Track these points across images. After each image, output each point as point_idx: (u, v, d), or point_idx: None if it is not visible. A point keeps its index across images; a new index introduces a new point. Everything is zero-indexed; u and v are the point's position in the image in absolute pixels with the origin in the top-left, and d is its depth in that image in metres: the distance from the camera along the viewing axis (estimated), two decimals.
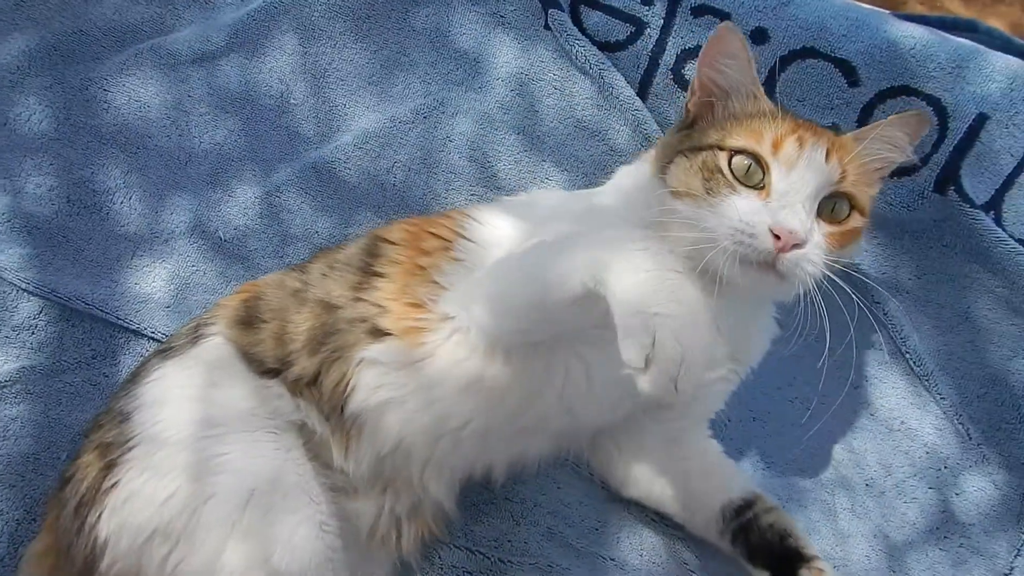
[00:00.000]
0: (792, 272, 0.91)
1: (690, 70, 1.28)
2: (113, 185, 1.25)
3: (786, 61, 1.24)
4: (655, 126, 1.29)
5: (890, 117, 1.03)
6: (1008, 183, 1.21)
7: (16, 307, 1.15)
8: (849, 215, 0.98)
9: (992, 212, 1.22)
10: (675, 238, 0.94)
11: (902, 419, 1.29)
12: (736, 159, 0.95)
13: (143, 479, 0.91)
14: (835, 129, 1.07)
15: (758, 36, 1.25)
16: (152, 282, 1.23)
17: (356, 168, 1.30)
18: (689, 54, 1.27)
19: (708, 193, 0.94)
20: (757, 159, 0.94)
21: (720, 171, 0.95)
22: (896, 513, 1.27)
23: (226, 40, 1.32)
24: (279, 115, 1.32)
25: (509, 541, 1.21)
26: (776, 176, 0.93)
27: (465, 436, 1.02)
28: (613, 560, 1.22)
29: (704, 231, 0.93)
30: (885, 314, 1.28)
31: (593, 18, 1.29)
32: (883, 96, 1.22)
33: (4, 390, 1.11)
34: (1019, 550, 1.23)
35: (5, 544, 1.05)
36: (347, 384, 1.00)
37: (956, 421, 1.27)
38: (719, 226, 0.92)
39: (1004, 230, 1.21)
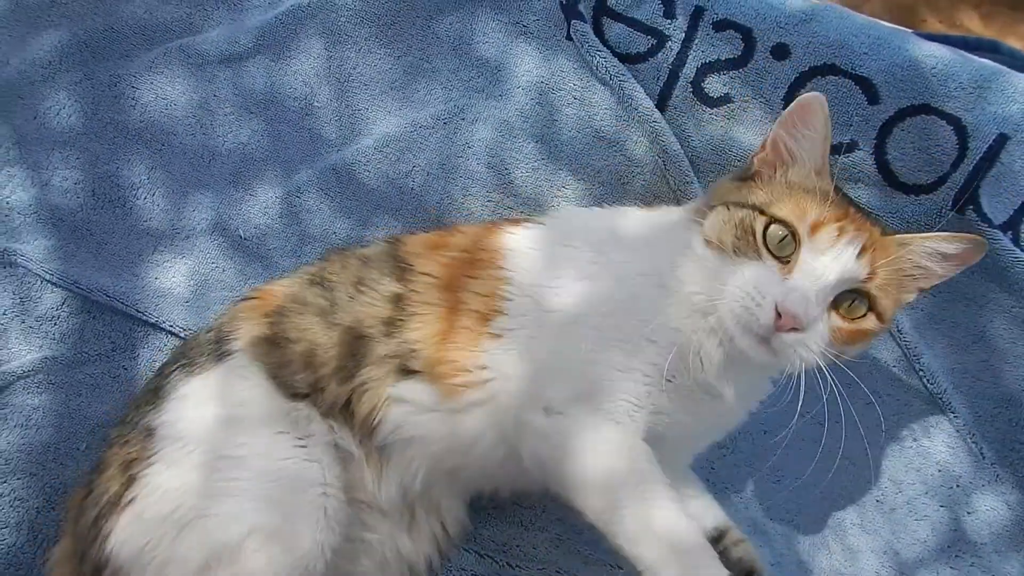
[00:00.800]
0: (784, 352, 0.92)
1: (710, 84, 1.28)
2: (137, 181, 1.27)
3: (806, 77, 1.24)
4: (673, 138, 1.30)
5: (945, 233, 1.01)
6: None
7: (40, 298, 1.17)
8: (865, 315, 0.96)
9: (1010, 232, 1.22)
10: (690, 280, 0.99)
11: (914, 436, 1.29)
12: (772, 228, 0.95)
13: (158, 495, 0.93)
14: (880, 224, 1.05)
15: (779, 52, 1.25)
16: (172, 277, 1.25)
17: (376, 171, 1.32)
18: (709, 68, 1.28)
19: (735, 252, 0.96)
20: (793, 234, 0.95)
21: (753, 234, 0.95)
22: (907, 530, 1.27)
23: (253, 42, 1.34)
24: (302, 117, 1.34)
25: (517, 546, 1.22)
26: (804, 257, 0.93)
27: (484, 472, 1.06)
28: (620, 568, 1.23)
29: (721, 285, 0.95)
30: (899, 331, 1.28)
31: (615, 30, 1.30)
32: (903, 114, 1.22)
33: (27, 379, 1.13)
34: None
35: (26, 532, 1.08)
36: (377, 416, 1.01)
37: (969, 440, 1.27)
38: (733, 284, 0.94)
39: (1022, 250, 1.21)
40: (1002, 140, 1.19)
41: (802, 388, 0.97)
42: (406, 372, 1.01)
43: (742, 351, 0.95)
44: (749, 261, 0.94)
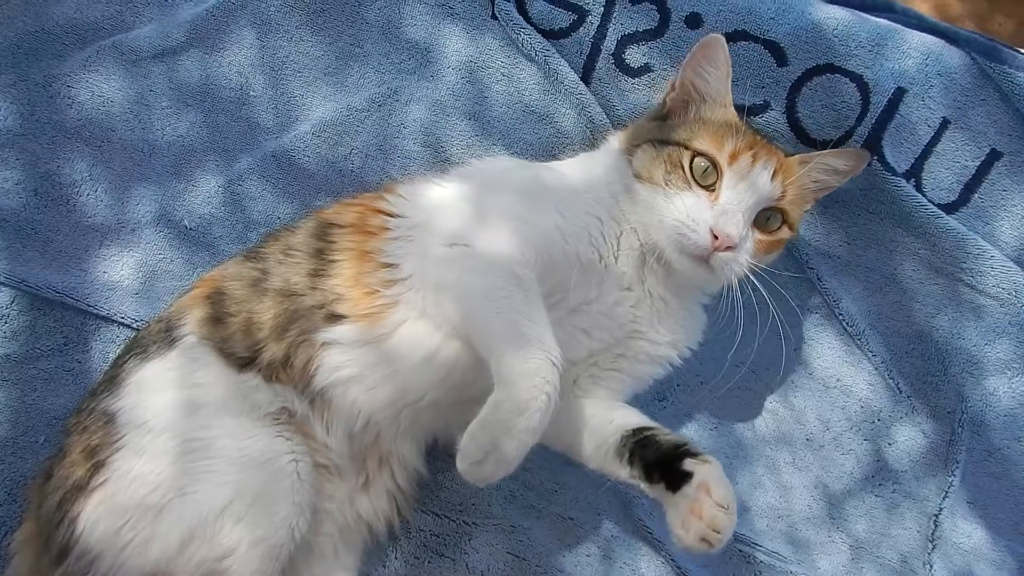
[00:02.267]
0: (721, 269, 1.06)
1: (630, 55, 1.34)
2: (79, 178, 1.29)
3: None
4: (599, 109, 1.36)
5: (835, 150, 1.19)
6: (926, 152, 1.30)
7: None
8: (779, 228, 1.13)
9: (913, 180, 1.31)
10: (630, 211, 1.12)
11: (838, 377, 1.38)
12: (697, 160, 1.09)
13: (129, 479, 0.97)
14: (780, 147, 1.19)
15: (693, 21, 1.32)
16: (120, 270, 1.28)
17: (315, 156, 1.36)
18: (629, 39, 1.34)
19: (666, 184, 1.09)
20: (715, 164, 1.09)
21: (681, 167, 1.09)
22: (835, 464, 1.36)
23: (185, 36, 1.36)
24: (239, 107, 1.37)
25: (473, 505, 1.28)
26: (727, 184, 1.08)
27: (423, 407, 1.10)
28: (572, 519, 1.30)
29: (655, 215, 1.08)
30: (819, 279, 1.36)
31: (537, 7, 1.35)
32: (809, 74, 1.29)
33: None
34: (947, 492, 1.32)
35: None
36: (314, 364, 1.06)
37: (887, 376, 1.36)
38: (668, 215, 1.07)
39: (924, 196, 1.29)
40: (900, 93, 1.27)
41: (739, 332, 1.09)
42: (333, 317, 1.06)
43: (681, 272, 1.09)
44: (680, 192, 1.08)
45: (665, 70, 1.34)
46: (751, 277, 1.09)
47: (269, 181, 1.35)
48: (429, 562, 1.24)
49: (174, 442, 0.99)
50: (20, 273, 1.21)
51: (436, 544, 1.25)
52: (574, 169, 1.20)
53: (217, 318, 1.08)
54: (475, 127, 1.38)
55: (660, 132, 1.15)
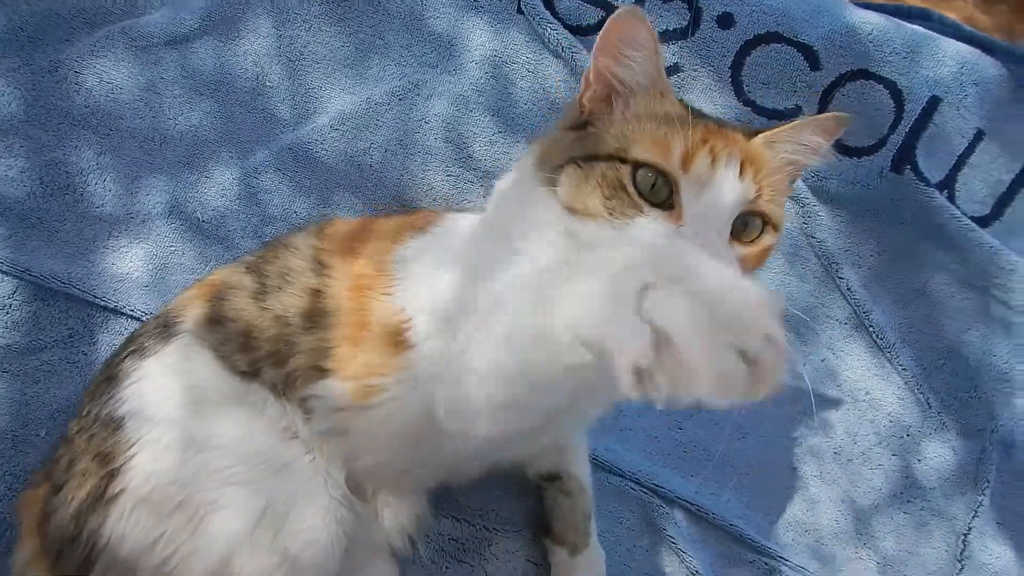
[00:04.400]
0: None
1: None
2: (86, 166, 1.24)
3: (751, 45, 1.29)
4: None
5: (806, 118, 0.92)
6: (960, 163, 1.28)
7: None
8: (761, 234, 0.87)
9: (946, 191, 1.29)
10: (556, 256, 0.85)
11: (867, 390, 1.35)
12: (640, 173, 0.83)
13: (149, 488, 0.90)
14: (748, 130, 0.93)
15: (724, 21, 1.29)
16: (130, 262, 1.22)
17: (333, 150, 1.31)
18: (660, 37, 1.30)
19: (610, 213, 0.82)
20: (664, 174, 0.82)
21: (623, 188, 0.83)
22: (862, 479, 1.32)
23: (199, 22, 1.32)
24: (255, 97, 1.33)
25: (493, 511, 1.23)
26: (687, 197, 0.82)
27: (406, 471, 1.05)
28: (596, 528, 1.25)
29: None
30: (849, 289, 1.33)
31: (564, 2, 1.32)
32: (843, 79, 1.27)
33: None
34: (976, 512, 1.29)
35: None
36: (308, 406, 0.99)
37: (917, 391, 1.33)
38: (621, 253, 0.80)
39: (957, 208, 1.27)
40: (935, 102, 1.25)
41: None
42: (322, 371, 0.98)
43: None
44: (630, 219, 0.82)
45: (696, 70, 1.31)
46: None
47: (286, 175, 1.30)
48: (447, 567, 1.19)
49: (191, 448, 0.92)
50: (23, 262, 1.15)
51: (454, 549, 1.20)
52: (498, 224, 0.96)
53: (216, 320, 1.01)
54: (498, 123, 1.34)
55: (583, 146, 0.87)
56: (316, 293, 1.01)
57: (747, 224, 0.85)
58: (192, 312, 1.02)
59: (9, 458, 1.07)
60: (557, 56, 1.32)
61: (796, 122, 0.91)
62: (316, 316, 1.00)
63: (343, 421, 0.99)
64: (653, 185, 0.82)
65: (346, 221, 1.13)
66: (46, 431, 1.09)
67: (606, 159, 0.84)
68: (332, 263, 1.04)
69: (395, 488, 1.09)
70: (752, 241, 0.86)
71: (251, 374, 1.00)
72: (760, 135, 0.90)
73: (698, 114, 0.89)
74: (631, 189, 0.82)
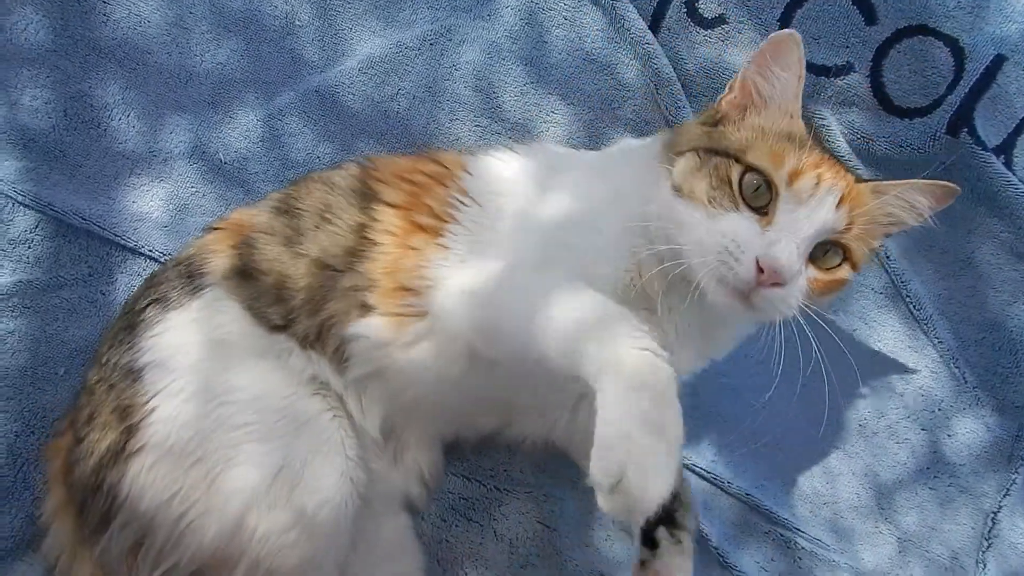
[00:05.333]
0: (763, 308, 0.88)
1: (704, 4, 1.25)
2: (111, 101, 1.22)
3: None
4: (666, 61, 1.27)
5: (919, 181, 0.96)
6: (1021, 126, 1.21)
7: (12, 220, 1.13)
8: (839, 265, 0.93)
9: (1003, 156, 1.22)
10: (660, 232, 0.92)
11: (898, 362, 1.31)
12: (748, 176, 0.90)
13: (168, 446, 0.90)
14: (859, 178, 0.98)
15: None
16: (150, 201, 1.21)
17: (359, 94, 1.28)
18: None
19: (710, 202, 0.90)
20: (769, 183, 0.89)
21: (729, 183, 0.90)
22: (887, 453, 1.29)
23: None
24: (283, 37, 1.29)
25: (505, 471, 1.22)
26: (783, 207, 0.89)
27: (435, 410, 1.05)
28: None
29: (693, 237, 0.90)
30: (887, 257, 1.28)
31: None
32: (900, 35, 1.20)
33: (1, 304, 1.09)
34: (1008, 490, 1.25)
35: (4, 455, 1.06)
36: (345, 351, 0.99)
37: (952, 365, 1.29)
38: (709, 237, 0.88)
39: (1015, 174, 1.21)
40: (999, 61, 1.18)
41: (777, 373, 0.95)
42: (364, 308, 0.98)
43: (714, 305, 0.90)
44: (725, 212, 0.89)
45: (741, 23, 1.25)
46: (800, 320, 0.90)
47: (310, 118, 1.27)
48: (456, 526, 1.19)
49: (211, 403, 0.92)
50: (46, 196, 1.14)
51: (464, 508, 1.20)
52: (606, 174, 1.05)
53: (246, 272, 1.00)
54: (531, 73, 1.29)
55: (709, 139, 0.96)
56: (361, 228, 1.00)
57: (828, 251, 0.92)
58: (218, 262, 1.01)
59: (28, 395, 1.09)
60: (596, 4, 1.27)
61: (907, 181, 0.96)
62: (359, 251, 0.99)
63: (384, 359, 0.98)
64: (756, 189, 0.89)
65: (390, 156, 1.11)
66: (64, 369, 1.10)
67: (724, 155, 0.92)
68: (383, 190, 1.03)
69: (423, 430, 1.09)
70: (828, 269, 0.92)
71: (282, 327, 0.99)
72: (871, 183, 0.96)
73: (819, 143, 0.97)
74: (736, 187, 0.90)
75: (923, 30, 1.19)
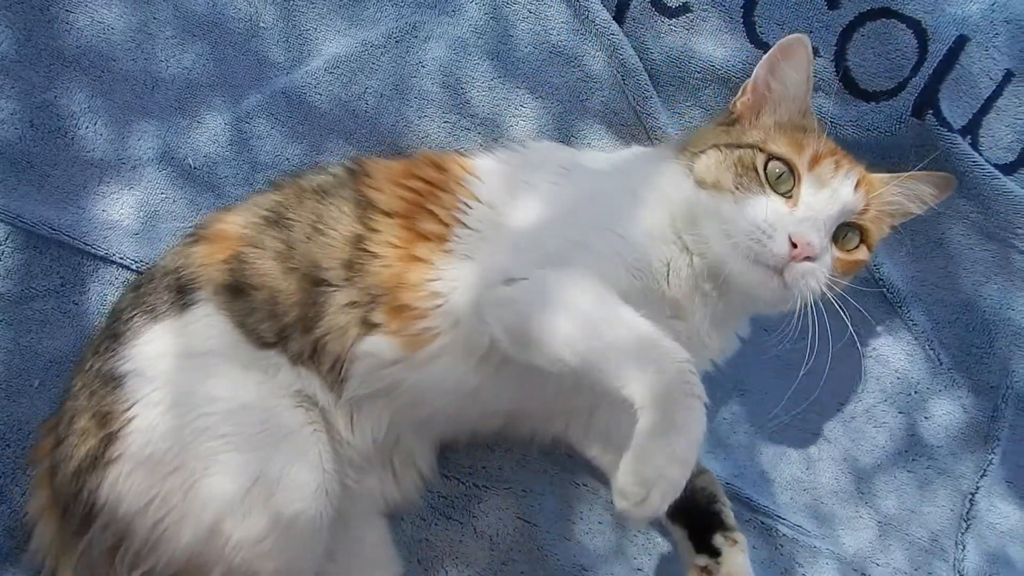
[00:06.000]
0: (797, 282, 0.93)
1: None
2: (78, 109, 1.22)
3: None
4: (632, 51, 1.27)
5: (923, 172, 1.06)
6: (986, 107, 1.21)
7: None
8: (858, 246, 1.01)
9: (969, 136, 1.22)
10: (685, 227, 0.99)
11: (874, 346, 1.31)
12: (772, 164, 0.97)
13: (146, 455, 0.91)
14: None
15: None
16: (120, 209, 1.21)
17: (327, 94, 1.27)
18: None
19: (737, 188, 0.96)
20: (792, 169, 0.97)
21: (755, 169, 0.97)
22: (865, 437, 1.30)
23: None
24: (248, 39, 1.29)
25: (483, 468, 1.23)
26: (806, 190, 0.96)
27: (445, 420, 1.07)
28: (585, 486, 1.25)
29: (722, 225, 0.95)
30: None
31: None
32: (863, 19, 1.20)
33: None
34: (985, 471, 1.26)
35: None
36: (342, 369, 0.99)
37: (927, 347, 1.29)
38: (740, 220, 0.94)
39: (980, 154, 1.21)
40: (961, 42, 1.18)
41: (810, 358, 1.01)
42: (369, 326, 0.98)
43: (749, 285, 0.95)
44: (753, 196, 0.95)
45: (705, 11, 1.24)
46: (822, 300, 0.96)
47: (278, 120, 1.27)
48: (436, 524, 1.20)
49: (190, 414, 0.92)
50: (15, 208, 1.14)
51: (443, 506, 1.21)
52: (628, 172, 1.09)
53: (237, 288, 0.99)
54: (498, 68, 1.29)
55: (728, 136, 1.03)
56: (358, 240, 1.00)
57: (847, 234, 0.99)
58: (210, 276, 1.00)
59: (3, 407, 1.09)
60: None
61: (913, 173, 1.05)
62: (357, 264, 0.99)
63: (393, 378, 0.99)
64: (780, 176, 0.96)
65: (379, 160, 1.12)
66: (39, 381, 1.10)
67: (747, 147, 0.99)
68: (379, 198, 1.03)
69: (423, 436, 1.10)
70: (848, 251, 1.00)
71: (274, 344, 0.99)
72: (879, 175, 1.04)
73: (829, 139, 1.02)
74: (761, 173, 0.96)
75: (886, 12, 1.18)
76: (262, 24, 1.29)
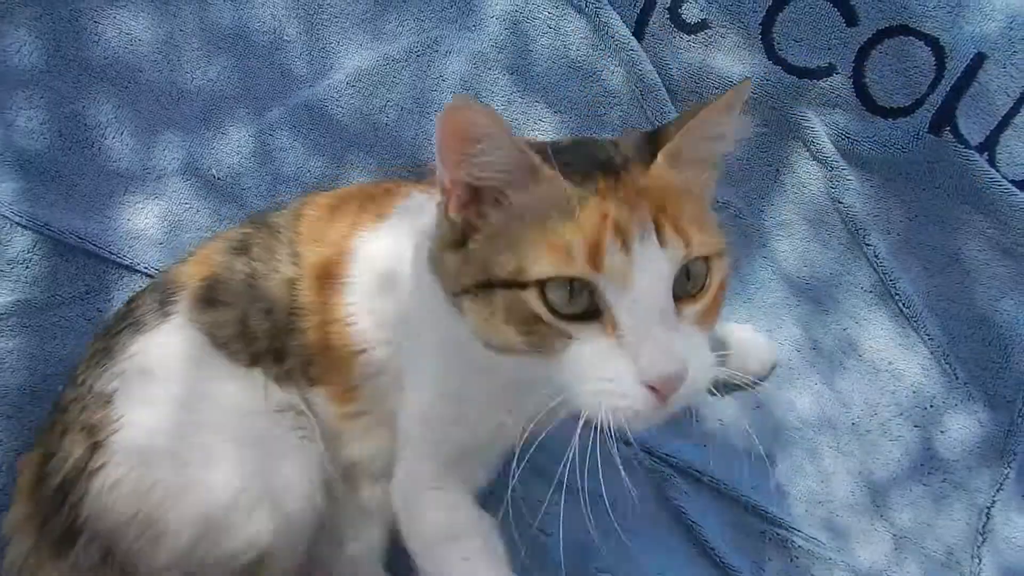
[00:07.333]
0: (686, 403, 0.71)
1: (686, 10, 1.26)
2: (104, 120, 1.24)
3: (783, 0, 1.22)
4: (650, 67, 1.28)
5: (702, 107, 0.73)
6: (1004, 124, 1.21)
7: (10, 241, 1.15)
8: (705, 279, 0.73)
9: (986, 153, 1.22)
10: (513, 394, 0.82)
11: (889, 360, 1.31)
12: (551, 290, 0.69)
13: (130, 465, 0.90)
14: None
15: None
16: (145, 219, 1.23)
17: (348, 107, 1.29)
18: None
19: (535, 349, 0.71)
20: (575, 281, 0.69)
21: (539, 320, 0.69)
22: (880, 451, 1.29)
23: None
24: (272, 52, 1.31)
25: (497, 475, 1.23)
26: (612, 296, 0.68)
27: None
28: (601, 496, 1.25)
29: (557, 392, 0.71)
30: (876, 256, 1.28)
31: None
32: (881, 36, 1.20)
33: (0, 323, 1.11)
34: (1001, 485, 1.25)
35: (5, 473, 1.08)
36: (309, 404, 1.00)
37: (943, 361, 1.29)
38: (572, 386, 0.70)
39: (998, 171, 1.21)
40: (980, 59, 1.18)
41: None
42: (309, 379, 0.99)
43: (640, 430, 0.73)
44: (563, 350, 0.70)
45: (724, 27, 1.25)
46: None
47: (300, 133, 1.29)
48: None
49: (174, 424, 0.92)
50: (43, 216, 1.16)
51: None
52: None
53: (210, 302, 0.99)
54: (517, 82, 1.31)
55: (471, 270, 0.73)
56: (292, 283, 0.98)
57: (690, 277, 0.72)
58: (188, 291, 1.00)
59: (28, 412, 1.10)
60: (580, 12, 1.27)
61: (695, 118, 0.73)
62: (292, 312, 0.97)
63: (335, 426, 1.00)
64: (572, 298, 0.69)
65: (328, 195, 1.08)
66: (63, 387, 1.11)
67: (503, 286, 0.71)
68: (303, 250, 1.00)
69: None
70: (703, 290, 0.73)
71: (252, 366, 0.99)
72: (661, 151, 0.73)
73: (579, 158, 0.73)
74: (548, 317, 0.69)
75: (904, 30, 1.19)
76: (286, 37, 1.31)
